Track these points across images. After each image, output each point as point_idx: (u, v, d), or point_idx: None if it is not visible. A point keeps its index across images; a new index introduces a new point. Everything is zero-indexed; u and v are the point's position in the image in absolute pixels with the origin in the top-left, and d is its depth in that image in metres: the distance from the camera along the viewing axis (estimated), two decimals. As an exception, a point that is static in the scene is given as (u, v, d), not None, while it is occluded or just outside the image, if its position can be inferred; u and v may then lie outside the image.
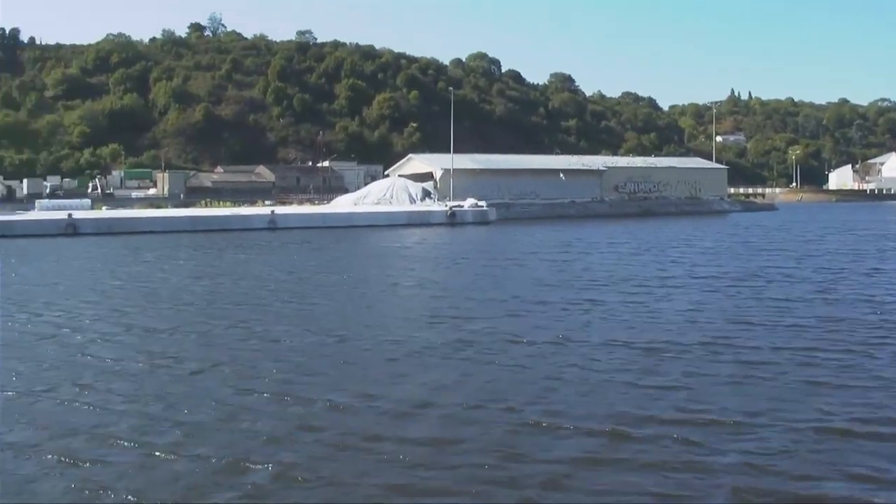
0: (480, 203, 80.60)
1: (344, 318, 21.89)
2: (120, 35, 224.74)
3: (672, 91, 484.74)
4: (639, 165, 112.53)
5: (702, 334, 18.80)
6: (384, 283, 30.24)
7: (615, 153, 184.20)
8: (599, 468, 10.45)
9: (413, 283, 30.06)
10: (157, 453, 11.05)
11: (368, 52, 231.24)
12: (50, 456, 10.98)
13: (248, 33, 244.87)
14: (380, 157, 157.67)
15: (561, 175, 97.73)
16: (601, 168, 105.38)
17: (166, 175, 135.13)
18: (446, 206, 78.24)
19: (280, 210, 77.69)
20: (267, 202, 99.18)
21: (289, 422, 12.39)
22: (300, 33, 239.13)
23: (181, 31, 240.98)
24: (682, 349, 17.16)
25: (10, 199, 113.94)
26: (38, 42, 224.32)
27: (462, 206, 78.43)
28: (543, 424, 12.11)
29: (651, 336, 18.57)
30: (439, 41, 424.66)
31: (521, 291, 26.69)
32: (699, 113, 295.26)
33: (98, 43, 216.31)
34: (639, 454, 10.88)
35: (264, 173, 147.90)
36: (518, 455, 10.85)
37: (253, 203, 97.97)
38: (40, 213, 76.77)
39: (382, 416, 12.64)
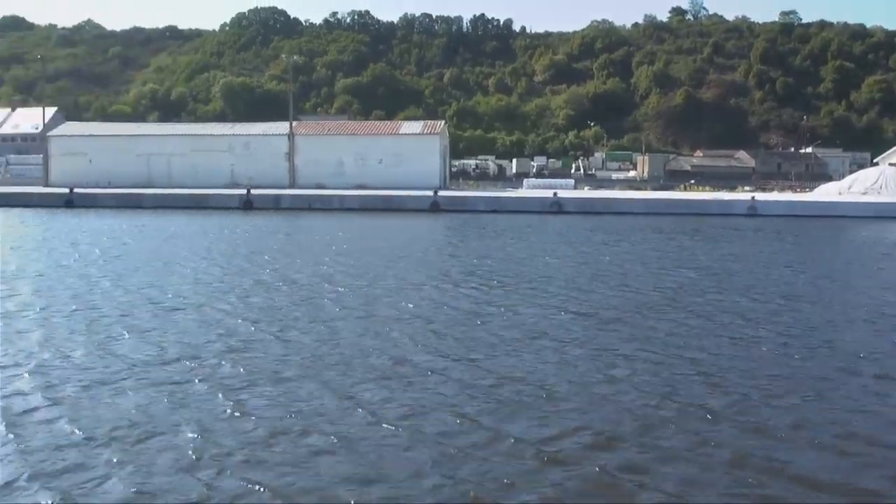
0: None
1: (812, 323, 18.76)
2: (604, 22, 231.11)
3: None
4: None
5: None
6: (853, 284, 26.23)
7: None
8: None
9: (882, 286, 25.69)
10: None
11: (858, 32, 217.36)
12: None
13: (730, 16, 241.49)
14: (867, 144, 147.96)
15: None
16: None
17: (646, 158, 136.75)
18: (944, 198, 71.47)
19: (761, 196, 75.33)
20: (746, 188, 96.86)
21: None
22: (784, 14, 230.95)
23: (663, 16, 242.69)
24: None
25: (501, 178, 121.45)
26: (528, 31, 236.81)
27: (964, 199, 71.24)
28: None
29: None
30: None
31: None
32: None
33: (583, 30, 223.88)
34: None
35: (744, 158, 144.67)
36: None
37: (732, 188, 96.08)
38: (528, 191, 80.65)
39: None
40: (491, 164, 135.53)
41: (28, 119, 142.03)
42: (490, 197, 69.84)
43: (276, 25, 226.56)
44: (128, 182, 78.16)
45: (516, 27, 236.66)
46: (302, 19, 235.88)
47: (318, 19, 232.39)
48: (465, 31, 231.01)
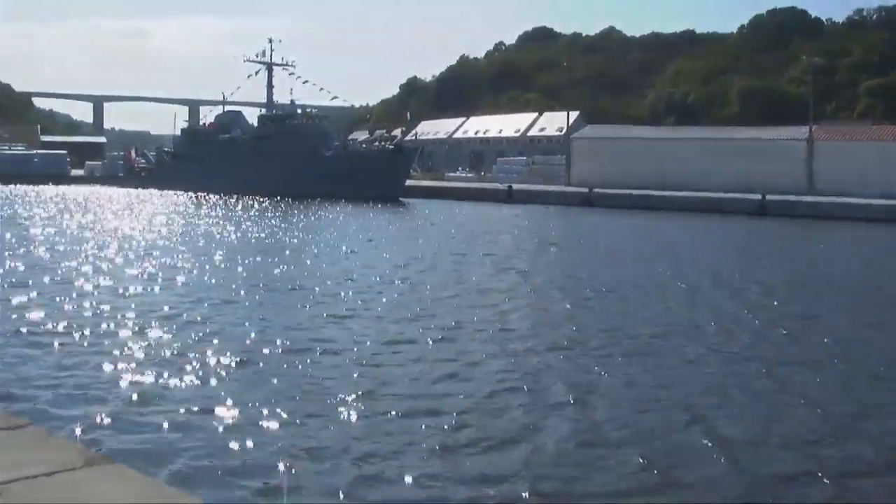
0: None
1: None
2: None
3: None
4: None
5: None
6: None
7: None
8: None
9: None
10: None
11: None
12: None
13: None
14: None
15: None
16: None
17: None
18: None
19: None
20: None
21: None
22: None
23: None
24: None
25: None
26: None
27: None
28: None
29: None
30: None
31: None
32: None
33: None
34: None
35: None
36: None
37: None
38: None
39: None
40: None
41: (553, 122, 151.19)
42: None
43: (795, 26, 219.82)
44: (642, 184, 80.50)
45: None
46: (823, 19, 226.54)
47: (840, 18, 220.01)
48: None
